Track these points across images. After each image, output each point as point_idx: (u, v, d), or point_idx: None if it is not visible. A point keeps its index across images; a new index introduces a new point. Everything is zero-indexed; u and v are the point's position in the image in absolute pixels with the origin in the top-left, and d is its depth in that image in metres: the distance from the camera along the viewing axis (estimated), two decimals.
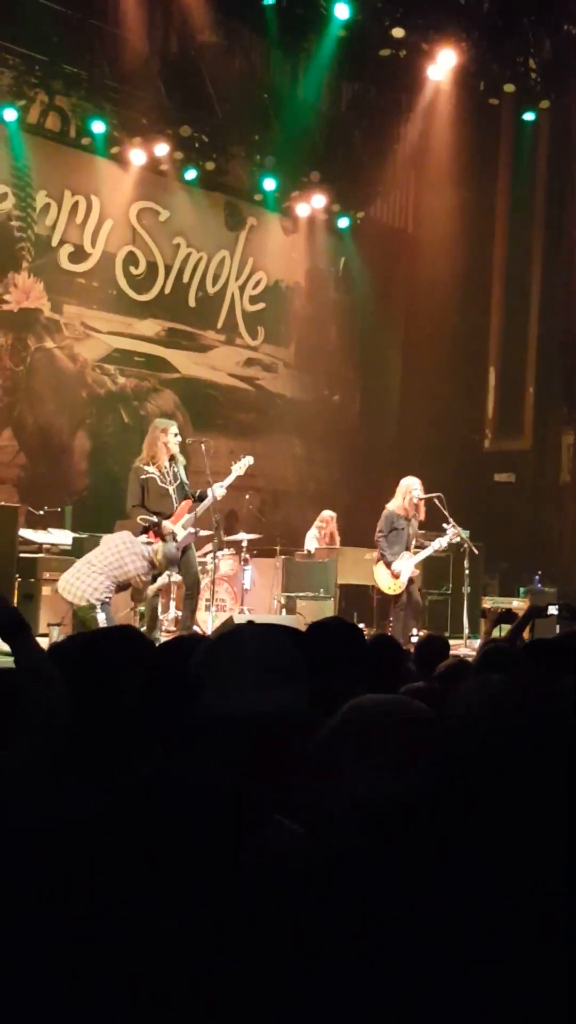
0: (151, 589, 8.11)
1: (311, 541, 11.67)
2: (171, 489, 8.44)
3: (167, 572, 8.29)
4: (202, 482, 9.17)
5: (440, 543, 9.81)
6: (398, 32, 12.27)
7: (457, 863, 0.72)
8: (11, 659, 2.40)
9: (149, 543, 7.92)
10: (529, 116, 14.19)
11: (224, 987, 0.82)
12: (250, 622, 1.62)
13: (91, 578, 7.53)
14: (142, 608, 8.40)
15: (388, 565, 9.66)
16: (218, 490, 8.67)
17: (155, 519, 8.19)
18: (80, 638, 2.46)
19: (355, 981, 0.70)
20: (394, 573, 9.64)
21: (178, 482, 8.53)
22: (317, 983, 0.73)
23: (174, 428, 8.70)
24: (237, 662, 1.45)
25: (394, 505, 9.75)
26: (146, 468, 8.43)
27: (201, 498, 8.60)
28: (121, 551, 7.68)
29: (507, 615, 5.63)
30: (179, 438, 8.66)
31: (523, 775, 0.77)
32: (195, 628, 8.44)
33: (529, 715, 0.79)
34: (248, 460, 9.13)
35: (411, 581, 9.76)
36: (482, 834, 0.74)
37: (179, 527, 8.33)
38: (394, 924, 0.71)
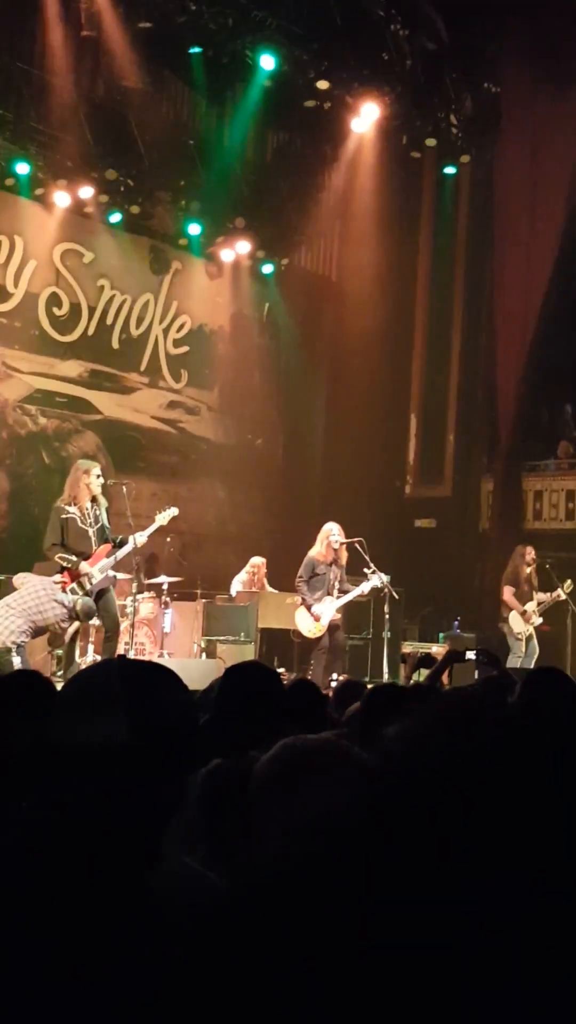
0: (69, 632, 8.01)
1: (237, 586, 11.58)
2: (91, 531, 8.38)
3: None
4: (123, 524, 9.10)
5: (362, 588, 9.86)
6: (323, 84, 12.52)
7: (456, 867, 0.72)
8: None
9: (63, 584, 7.83)
10: (450, 170, 14.58)
11: (224, 987, 0.81)
12: (121, 656, 1.68)
13: (8, 620, 7.41)
14: (59, 652, 8.27)
15: (309, 609, 9.70)
16: (139, 538, 8.65)
17: (73, 559, 8.11)
18: None
19: (355, 981, 0.72)
20: (315, 616, 9.68)
21: (99, 524, 8.48)
22: (317, 983, 0.73)
23: (96, 470, 8.66)
24: (86, 694, 1.49)
25: (315, 551, 9.83)
26: (67, 508, 8.37)
27: (121, 544, 8.55)
28: (41, 596, 7.60)
29: (426, 659, 5.67)
30: (101, 480, 8.63)
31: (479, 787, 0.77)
32: None
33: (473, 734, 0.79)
34: (172, 511, 9.21)
35: (334, 625, 9.79)
36: (475, 838, 0.74)
37: (96, 569, 8.25)
38: (394, 924, 0.72)
